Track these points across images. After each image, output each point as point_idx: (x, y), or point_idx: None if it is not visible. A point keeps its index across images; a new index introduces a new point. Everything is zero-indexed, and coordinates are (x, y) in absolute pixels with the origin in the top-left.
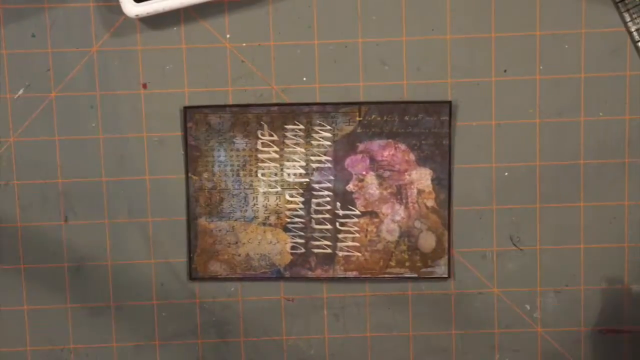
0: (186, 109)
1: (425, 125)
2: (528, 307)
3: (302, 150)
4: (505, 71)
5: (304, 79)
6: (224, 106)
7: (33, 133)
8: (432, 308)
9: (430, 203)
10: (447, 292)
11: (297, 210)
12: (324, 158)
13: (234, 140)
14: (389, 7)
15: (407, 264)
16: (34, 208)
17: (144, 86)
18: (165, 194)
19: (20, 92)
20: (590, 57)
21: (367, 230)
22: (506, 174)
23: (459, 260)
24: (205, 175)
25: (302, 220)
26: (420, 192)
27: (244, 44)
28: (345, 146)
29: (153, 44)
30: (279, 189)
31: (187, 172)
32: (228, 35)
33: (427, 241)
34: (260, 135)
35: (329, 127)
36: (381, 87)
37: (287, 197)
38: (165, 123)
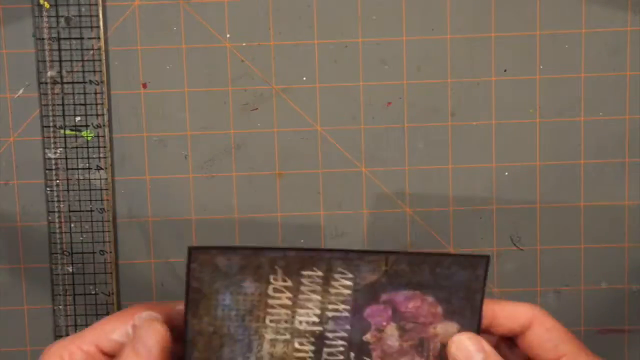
0: (191, 250)
1: (458, 278)
2: None
3: (318, 297)
4: (505, 71)
5: (304, 78)
6: (235, 248)
7: (33, 133)
8: None
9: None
10: None
11: None
12: (341, 307)
13: (242, 284)
14: (389, 7)
15: None
16: (34, 208)
17: (144, 86)
18: (165, 194)
19: (20, 92)
20: (590, 57)
21: None
22: (506, 174)
23: None
24: (207, 319)
25: None
26: (444, 346)
27: (244, 44)
28: (366, 295)
29: (153, 44)
30: (289, 336)
31: (186, 314)
32: (228, 35)
33: None
34: (272, 281)
35: (350, 276)
36: (381, 87)
37: (297, 345)
38: (165, 123)
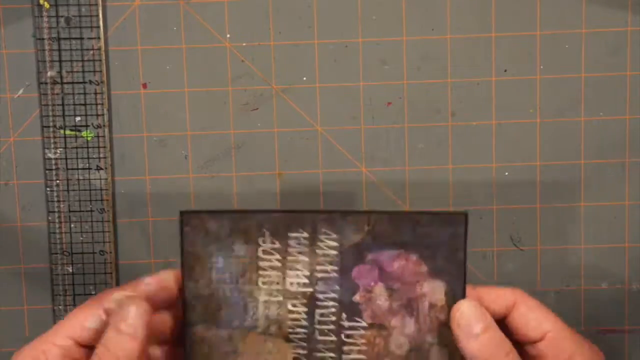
0: (183, 214)
1: (439, 236)
2: None
3: (306, 259)
4: (505, 71)
5: (304, 78)
6: (224, 211)
7: (33, 133)
8: None
9: (443, 317)
10: None
11: (299, 321)
12: (329, 267)
13: (233, 247)
14: (389, 7)
15: None
16: (34, 208)
17: (144, 86)
18: (165, 194)
19: (20, 92)
20: (590, 57)
21: (374, 342)
22: (506, 174)
23: None
24: (203, 282)
25: (304, 330)
26: (432, 305)
27: (244, 44)
28: (352, 256)
29: (153, 44)
30: (281, 298)
31: (183, 278)
32: (228, 35)
33: (439, 357)
34: (261, 243)
35: (335, 236)
36: (381, 87)
37: (290, 307)
38: (165, 123)
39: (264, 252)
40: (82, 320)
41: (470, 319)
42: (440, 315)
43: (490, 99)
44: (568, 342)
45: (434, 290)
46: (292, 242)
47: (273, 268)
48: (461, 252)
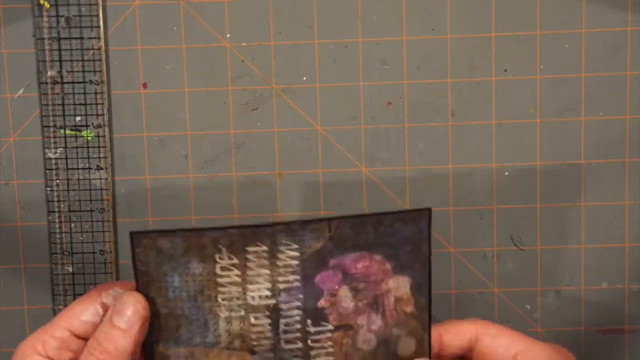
0: (132, 235)
1: (402, 234)
2: (528, 307)
3: (267, 271)
4: (505, 71)
5: (304, 78)
6: (175, 230)
7: (33, 133)
8: None
9: (410, 309)
10: (447, 292)
11: (263, 333)
12: (291, 277)
13: (189, 265)
14: (389, 7)
15: None
16: (34, 208)
17: (144, 86)
18: (165, 194)
19: (20, 91)
20: (590, 57)
21: (342, 343)
22: (506, 174)
23: (460, 260)
24: (159, 300)
25: (270, 342)
26: (398, 299)
27: (244, 44)
28: (314, 263)
29: (153, 44)
30: (243, 312)
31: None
32: (228, 35)
33: (408, 345)
34: (218, 259)
35: (296, 246)
36: (381, 87)
37: (252, 321)
38: (165, 123)
39: (222, 268)
40: (79, 313)
41: None
42: (406, 307)
43: (490, 99)
44: (538, 358)
45: (399, 286)
46: (250, 257)
47: (232, 284)
48: (425, 247)
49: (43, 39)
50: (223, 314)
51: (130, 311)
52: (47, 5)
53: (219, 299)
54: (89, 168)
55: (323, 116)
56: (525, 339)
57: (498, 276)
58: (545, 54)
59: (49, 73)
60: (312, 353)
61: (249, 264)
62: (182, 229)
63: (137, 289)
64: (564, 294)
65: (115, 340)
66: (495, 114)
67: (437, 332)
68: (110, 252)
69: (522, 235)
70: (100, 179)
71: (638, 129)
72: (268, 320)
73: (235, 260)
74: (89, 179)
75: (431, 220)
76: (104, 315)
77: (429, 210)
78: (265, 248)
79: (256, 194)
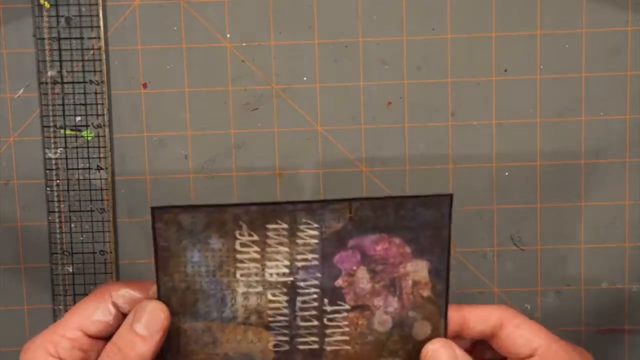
0: (154, 210)
1: (424, 218)
2: (528, 306)
3: (286, 249)
4: (505, 71)
5: (304, 78)
6: (197, 206)
7: (33, 133)
8: None
9: (426, 293)
10: None
11: (280, 309)
12: (310, 256)
13: (209, 241)
14: (389, 7)
15: (400, 352)
16: (34, 208)
17: (144, 86)
18: (165, 194)
19: (20, 92)
20: (590, 57)
21: (357, 323)
22: (506, 174)
23: (460, 260)
24: (177, 276)
25: (286, 318)
26: (415, 283)
27: (244, 44)
28: (334, 243)
29: (153, 43)
30: (261, 288)
31: (157, 272)
32: (228, 35)
33: (423, 329)
34: (238, 236)
35: (316, 225)
36: (381, 87)
37: (270, 297)
38: (165, 123)
39: (242, 244)
40: (90, 313)
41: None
42: (423, 291)
43: (490, 99)
44: (558, 356)
45: (417, 270)
46: (270, 234)
47: (252, 260)
48: (445, 232)
49: (43, 39)
50: (241, 289)
51: (152, 319)
52: (47, 5)
53: (237, 275)
54: (89, 168)
55: (323, 116)
56: (547, 334)
57: (498, 276)
58: (545, 54)
59: (49, 73)
60: (327, 332)
61: (269, 241)
62: (204, 205)
63: (156, 265)
64: (564, 294)
65: (136, 347)
66: (495, 114)
67: (461, 314)
68: (111, 252)
69: (522, 235)
70: (100, 179)
71: (638, 129)
72: (285, 297)
73: (255, 237)
74: (89, 179)
75: (452, 205)
76: (117, 317)
77: (451, 195)
78: (285, 226)
79: (256, 194)
